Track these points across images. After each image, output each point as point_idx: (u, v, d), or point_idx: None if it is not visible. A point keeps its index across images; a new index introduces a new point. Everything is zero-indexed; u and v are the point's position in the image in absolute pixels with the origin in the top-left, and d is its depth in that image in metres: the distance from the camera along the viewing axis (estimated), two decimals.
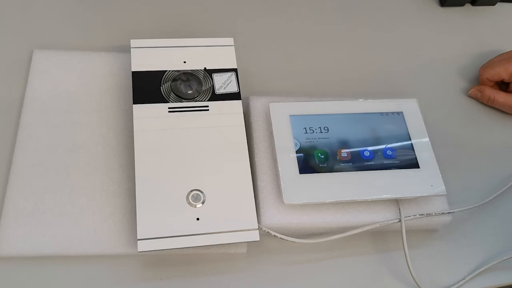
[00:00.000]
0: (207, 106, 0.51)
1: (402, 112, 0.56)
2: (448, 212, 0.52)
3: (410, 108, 0.56)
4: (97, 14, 0.62)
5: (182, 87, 0.52)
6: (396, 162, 0.52)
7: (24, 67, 0.56)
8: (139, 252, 0.44)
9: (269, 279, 0.50)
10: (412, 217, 0.51)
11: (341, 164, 0.51)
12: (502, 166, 0.60)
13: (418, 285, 0.50)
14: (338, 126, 0.53)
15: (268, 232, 0.48)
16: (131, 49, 0.53)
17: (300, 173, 0.50)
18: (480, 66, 0.65)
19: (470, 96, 0.65)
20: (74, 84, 0.55)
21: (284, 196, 0.48)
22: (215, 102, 0.52)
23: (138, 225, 0.45)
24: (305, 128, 0.53)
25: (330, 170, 0.51)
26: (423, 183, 0.51)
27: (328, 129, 0.53)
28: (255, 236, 0.46)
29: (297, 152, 0.51)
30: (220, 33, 0.58)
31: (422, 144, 0.54)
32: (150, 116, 0.50)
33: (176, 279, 0.48)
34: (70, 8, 0.62)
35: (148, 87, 0.51)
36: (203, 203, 0.47)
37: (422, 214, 0.51)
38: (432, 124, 0.57)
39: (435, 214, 0.51)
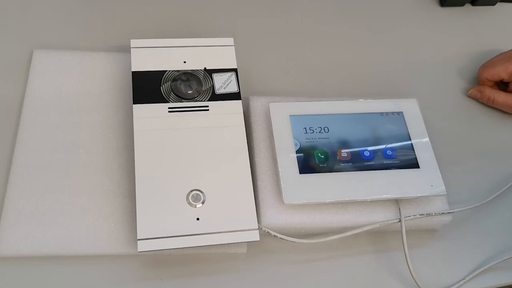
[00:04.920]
0: (207, 106, 0.51)
1: (402, 112, 0.56)
2: (448, 212, 0.52)
3: (410, 108, 0.56)
4: (97, 14, 0.62)
5: (182, 87, 0.52)
6: (396, 162, 0.52)
7: (24, 67, 0.56)
8: (139, 252, 0.44)
9: (269, 279, 0.50)
10: (412, 217, 0.51)
11: (341, 164, 0.51)
12: (502, 166, 0.60)
13: (418, 285, 0.50)
14: (338, 126, 0.53)
15: (268, 232, 0.48)
16: (131, 49, 0.53)
17: (300, 173, 0.50)
18: (480, 66, 0.65)
19: (470, 96, 0.65)
20: (74, 84, 0.55)
21: (284, 196, 0.48)
22: (215, 102, 0.52)
23: (138, 225, 0.45)
24: (305, 128, 0.53)
25: (330, 170, 0.51)
26: (423, 183, 0.51)
27: (328, 129, 0.53)
28: (255, 236, 0.46)
29: (297, 152, 0.51)
30: (220, 33, 0.58)
31: (422, 144, 0.54)
32: (150, 116, 0.50)
33: (176, 279, 0.48)
34: (70, 8, 0.62)
35: (148, 87, 0.51)
36: (203, 203, 0.47)
37: (422, 214, 0.51)
38: (432, 124, 0.57)
39: (435, 214, 0.51)
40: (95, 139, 0.52)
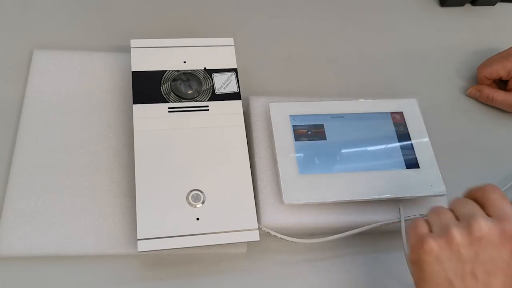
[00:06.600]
0: (207, 106, 0.51)
1: (402, 112, 0.56)
2: None
3: (410, 108, 0.56)
4: (97, 14, 0.62)
5: (182, 87, 0.52)
6: (396, 162, 0.52)
7: (24, 67, 0.56)
8: (139, 252, 0.44)
9: (269, 279, 0.50)
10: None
11: (341, 164, 0.51)
12: (502, 166, 0.60)
13: None
14: (338, 126, 0.53)
15: (268, 232, 0.48)
16: (131, 49, 0.53)
17: (300, 173, 0.50)
18: (478, 65, 0.65)
19: (469, 96, 0.65)
20: (74, 84, 0.55)
21: (284, 196, 0.48)
22: (215, 102, 0.52)
23: (138, 225, 0.45)
24: (305, 128, 0.53)
25: (330, 170, 0.51)
26: (423, 183, 0.51)
27: (328, 129, 0.53)
28: (255, 236, 0.46)
29: (297, 152, 0.51)
30: (220, 33, 0.58)
31: (422, 144, 0.54)
32: (150, 116, 0.50)
33: (176, 279, 0.48)
34: (70, 8, 0.62)
35: (148, 87, 0.51)
36: (203, 203, 0.47)
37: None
38: (432, 124, 0.57)
39: None
40: (95, 139, 0.52)
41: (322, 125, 0.53)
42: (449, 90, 0.66)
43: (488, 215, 0.38)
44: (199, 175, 0.48)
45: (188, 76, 0.53)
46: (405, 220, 0.50)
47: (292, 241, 0.49)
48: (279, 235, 0.48)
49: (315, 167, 0.51)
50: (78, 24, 0.61)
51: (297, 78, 0.62)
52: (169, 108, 0.51)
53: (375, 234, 0.53)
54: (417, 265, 0.39)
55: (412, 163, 0.52)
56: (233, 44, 0.55)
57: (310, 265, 0.51)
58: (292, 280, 0.50)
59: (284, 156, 0.51)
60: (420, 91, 0.64)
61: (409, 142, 0.54)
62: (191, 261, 0.49)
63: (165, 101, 0.51)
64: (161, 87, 0.51)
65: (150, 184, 0.47)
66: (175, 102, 0.51)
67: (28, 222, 0.47)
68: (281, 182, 0.49)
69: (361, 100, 0.56)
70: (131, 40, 0.53)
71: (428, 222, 0.41)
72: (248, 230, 0.46)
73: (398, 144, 0.53)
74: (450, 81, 0.67)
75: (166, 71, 0.52)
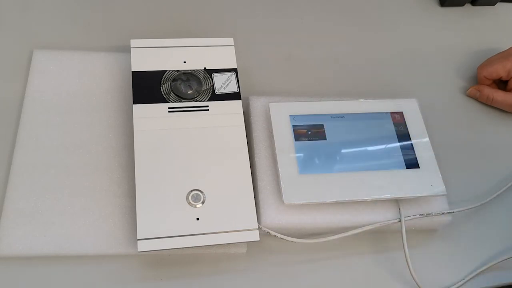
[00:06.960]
0: (207, 106, 0.51)
1: (402, 112, 0.56)
2: (448, 212, 0.52)
3: (410, 108, 0.56)
4: (97, 14, 0.62)
5: (182, 87, 0.52)
6: (396, 162, 0.52)
7: (24, 67, 0.56)
8: (139, 252, 0.44)
9: (269, 279, 0.50)
10: (412, 217, 0.51)
11: (341, 164, 0.51)
12: (502, 166, 0.60)
13: (418, 285, 0.50)
14: (338, 126, 0.53)
15: (268, 232, 0.48)
16: (131, 49, 0.53)
17: (300, 173, 0.50)
18: (478, 65, 0.65)
19: (469, 96, 0.65)
20: (74, 84, 0.55)
21: (284, 196, 0.48)
22: (215, 102, 0.52)
23: (138, 225, 0.45)
24: (305, 128, 0.53)
25: (330, 170, 0.51)
26: (423, 183, 0.51)
27: (328, 129, 0.53)
28: (255, 236, 0.46)
29: (297, 152, 0.51)
30: (220, 33, 0.58)
31: (422, 144, 0.54)
32: (150, 116, 0.50)
33: (176, 279, 0.48)
34: (70, 8, 0.62)
35: (148, 87, 0.51)
36: (203, 203, 0.47)
37: (422, 214, 0.51)
38: (432, 124, 0.57)
39: (435, 214, 0.51)
40: (95, 139, 0.52)
41: (322, 125, 0.53)
42: (449, 90, 0.66)
43: None
44: (199, 175, 0.48)
45: (188, 76, 0.53)
46: (405, 220, 0.50)
47: (292, 241, 0.49)
48: (279, 235, 0.48)
49: (315, 167, 0.51)
50: (78, 24, 0.61)
51: (297, 78, 0.62)
52: (169, 108, 0.51)
53: (375, 234, 0.53)
54: None
55: (412, 163, 0.52)
56: (233, 44, 0.55)
57: (310, 265, 0.51)
58: (292, 280, 0.50)
59: (284, 156, 0.51)
60: (420, 91, 0.64)
61: (409, 142, 0.54)
62: (191, 261, 0.49)
63: (165, 101, 0.51)
64: (161, 87, 0.51)
65: (150, 184, 0.47)
66: (175, 102, 0.51)
67: (28, 222, 0.47)
68: (281, 182, 0.49)
69: (361, 100, 0.56)
70: (131, 40, 0.53)
71: None
72: (248, 230, 0.46)
73: (398, 144, 0.53)
74: (450, 81, 0.67)
75: (166, 71, 0.52)
